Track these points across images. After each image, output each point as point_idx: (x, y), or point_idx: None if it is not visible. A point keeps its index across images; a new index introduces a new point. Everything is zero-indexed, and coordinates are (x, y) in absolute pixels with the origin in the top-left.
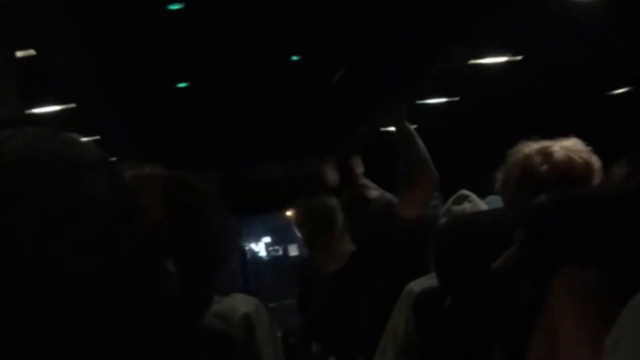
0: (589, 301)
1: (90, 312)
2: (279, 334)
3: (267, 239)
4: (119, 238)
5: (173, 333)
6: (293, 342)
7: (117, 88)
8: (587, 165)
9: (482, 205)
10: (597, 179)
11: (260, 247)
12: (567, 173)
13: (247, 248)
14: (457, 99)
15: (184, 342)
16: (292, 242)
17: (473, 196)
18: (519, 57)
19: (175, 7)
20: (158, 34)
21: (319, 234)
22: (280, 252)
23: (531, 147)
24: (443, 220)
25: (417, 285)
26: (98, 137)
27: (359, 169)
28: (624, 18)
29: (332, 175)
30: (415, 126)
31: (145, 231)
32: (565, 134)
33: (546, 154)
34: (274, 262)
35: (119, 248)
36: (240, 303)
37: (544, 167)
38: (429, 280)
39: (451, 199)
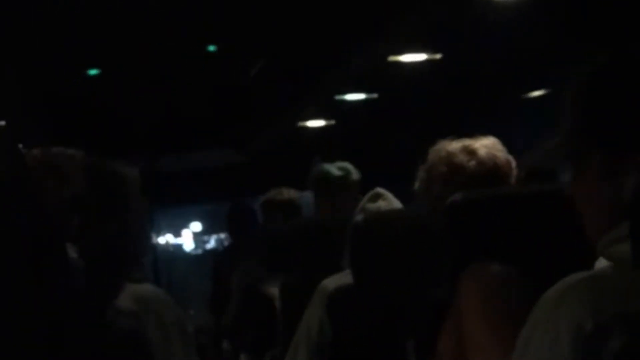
0: (494, 297)
1: None
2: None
3: (198, 227)
4: (12, 215)
5: (75, 319)
6: (204, 342)
7: (26, 73)
8: (509, 163)
9: (396, 203)
10: (513, 178)
11: (186, 238)
12: (493, 169)
13: (162, 241)
14: (375, 95)
15: (89, 333)
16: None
17: (387, 194)
18: (438, 56)
19: None
20: (68, 18)
21: None
22: (213, 244)
23: (453, 145)
24: (358, 218)
25: (331, 282)
26: (3, 122)
27: None
28: (542, 20)
29: None
30: (333, 122)
31: (44, 214)
32: (482, 133)
33: (470, 151)
34: (205, 257)
35: (10, 226)
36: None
37: (472, 163)
38: (343, 278)
39: (366, 197)
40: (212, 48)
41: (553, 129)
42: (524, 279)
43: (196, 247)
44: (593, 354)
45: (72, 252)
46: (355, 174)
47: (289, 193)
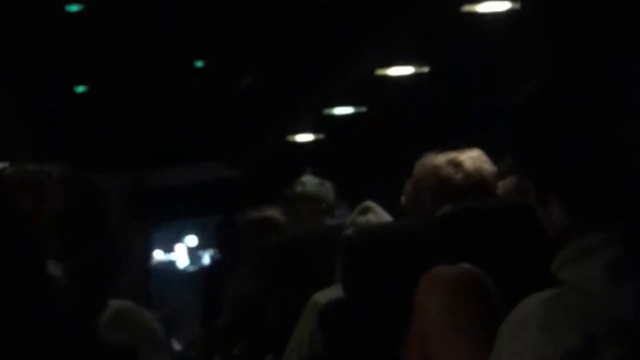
0: (453, 307)
1: None
2: (178, 348)
3: (193, 241)
4: None
5: (61, 337)
6: (195, 356)
7: (15, 89)
8: (494, 174)
9: (385, 216)
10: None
11: (179, 254)
12: (480, 181)
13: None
14: (364, 108)
15: (80, 351)
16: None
17: (377, 207)
18: (425, 69)
19: (73, 8)
20: (55, 35)
21: None
22: (207, 260)
23: (439, 158)
24: (348, 232)
25: (323, 296)
26: None
27: None
28: (529, 31)
29: None
30: (322, 136)
31: (24, 231)
32: (471, 146)
33: (457, 164)
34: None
35: None
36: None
37: (459, 176)
38: (335, 292)
39: (355, 210)
40: (199, 64)
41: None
42: (496, 282)
43: (191, 263)
44: None
45: (57, 271)
46: (310, 186)
47: (269, 211)
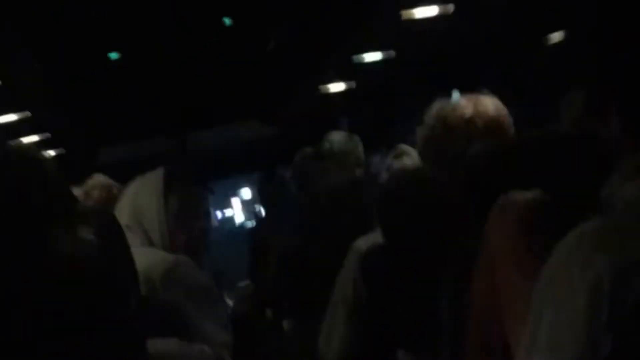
0: (525, 232)
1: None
2: (229, 303)
3: (247, 194)
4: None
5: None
6: (245, 311)
7: (46, 60)
8: (508, 115)
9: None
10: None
11: (236, 209)
12: (501, 121)
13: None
14: (392, 53)
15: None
16: None
17: (411, 150)
18: (450, 7)
19: None
20: (86, 2)
21: None
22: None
23: (459, 101)
24: (384, 177)
25: (364, 243)
26: (28, 112)
27: None
28: None
29: None
30: (354, 84)
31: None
32: (501, 85)
33: (478, 104)
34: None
35: (48, 254)
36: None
37: (483, 116)
38: (376, 237)
39: (390, 155)
40: (227, 21)
41: (572, 80)
42: (552, 209)
43: (248, 219)
44: (616, 301)
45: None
46: (338, 143)
47: None
